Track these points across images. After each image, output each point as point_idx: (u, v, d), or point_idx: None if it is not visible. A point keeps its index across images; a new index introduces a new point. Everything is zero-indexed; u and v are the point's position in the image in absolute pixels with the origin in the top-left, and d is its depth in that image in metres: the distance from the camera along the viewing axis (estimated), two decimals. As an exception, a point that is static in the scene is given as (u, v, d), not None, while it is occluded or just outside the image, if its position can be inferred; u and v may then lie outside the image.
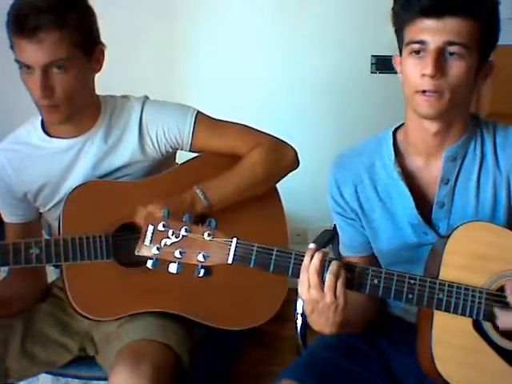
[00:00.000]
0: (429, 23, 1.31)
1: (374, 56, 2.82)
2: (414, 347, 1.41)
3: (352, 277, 1.32)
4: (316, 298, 1.29)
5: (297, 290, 1.73)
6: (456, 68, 1.32)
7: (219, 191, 1.69)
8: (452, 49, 1.31)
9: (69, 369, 1.77)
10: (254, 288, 1.69)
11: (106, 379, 1.70)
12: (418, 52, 1.33)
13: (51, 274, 2.01)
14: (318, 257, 1.29)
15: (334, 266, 1.29)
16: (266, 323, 1.75)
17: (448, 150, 1.44)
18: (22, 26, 1.54)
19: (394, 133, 1.51)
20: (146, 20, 2.86)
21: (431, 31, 1.31)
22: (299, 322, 1.77)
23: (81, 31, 1.59)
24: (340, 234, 1.61)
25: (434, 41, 1.31)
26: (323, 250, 1.32)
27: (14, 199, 1.75)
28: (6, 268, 1.77)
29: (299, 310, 1.76)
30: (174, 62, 2.94)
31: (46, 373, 1.81)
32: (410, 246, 1.48)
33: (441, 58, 1.31)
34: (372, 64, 2.84)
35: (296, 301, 1.75)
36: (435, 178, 1.46)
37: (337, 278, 1.29)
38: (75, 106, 1.64)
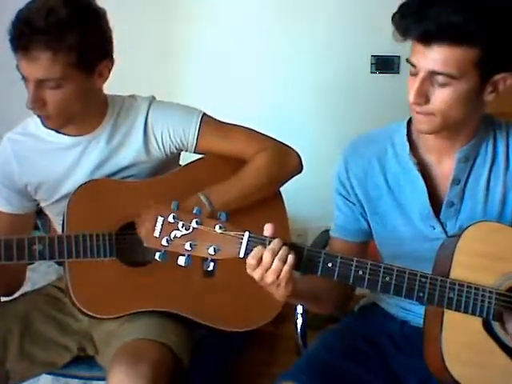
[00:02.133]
0: (419, 48, 1.31)
1: (374, 56, 2.82)
2: (416, 348, 1.41)
3: (333, 266, 1.31)
4: (260, 276, 1.30)
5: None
6: (441, 95, 1.32)
7: (223, 196, 1.69)
8: (437, 78, 1.31)
9: (69, 369, 1.77)
10: (256, 289, 1.68)
11: (105, 379, 1.70)
12: (413, 74, 1.34)
13: (51, 274, 2.02)
14: (282, 251, 1.28)
15: (283, 252, 1.29)
16: (266, 323, 1.75)
17: (460, 151, 1.44)
18: (16, 41, 1.54)
19: (409, 123, 1.51)
20: (147, 20, 2.86)
21: (420, 57, 1.31)
22: (299, 321, 1.77)
23: (79, 51, 1.56)
24: (336, 215, 1.61)
25: (421, 68, 1.31)
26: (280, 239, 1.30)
27: (13, 189, 1.74)
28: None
29: (299, 309, 1.76)
30: (175, 62, 2.94)
31: (46, 373, 1.80)
32: (416, 237, 1.49)
33: (427, 85, 1.32)
34: (372, 64, 2.84)
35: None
36: (446, 176, 1.46)
37: (282, 263, 1.28)
38: (69, 117, 1.65)
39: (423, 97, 1.32)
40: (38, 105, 1.59)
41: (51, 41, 1.52)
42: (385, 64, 2.79)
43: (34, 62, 1.54)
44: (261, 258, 1.28)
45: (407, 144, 1.48)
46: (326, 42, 2.86)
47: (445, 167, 1.47)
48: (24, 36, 1.53)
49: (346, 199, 1.56)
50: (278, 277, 1.29)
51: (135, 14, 2.83)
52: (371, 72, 2.85)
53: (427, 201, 1.46)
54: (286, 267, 1.29)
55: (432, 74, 1.31)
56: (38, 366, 1.72)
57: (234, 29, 2.88)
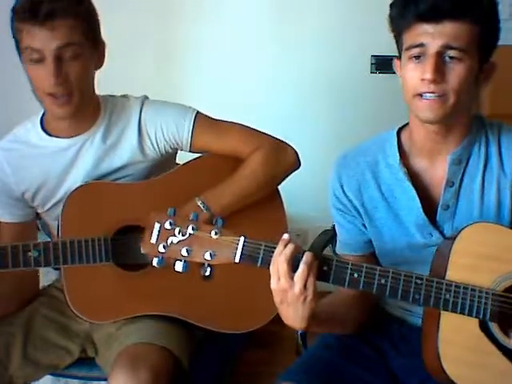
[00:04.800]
0: (427, 28, 1.31)
1: (374, 56, 2.82)
2: (415, 348, 1.41)
3: (328, 269, 1.32)
4: (285, 288, 1.29)
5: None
6: (456, 71, 1.32)
7: (221, 200, 1.67)
8: (451, 53, 1.31)
9: (69, 369, 1.77)
10: (254, 291, 1.69)
11: (105, 379, 1.70)
12: (417, 57, 1.33)
13: (51, 274, 2.02)
14: (290, 247, 1.29)
15: (307, 256, 1.29)
16: (266, 323, 1.75)
17: (453, 153, 1.44)
18: (36, 12, 1.53)
19: (398, 132, 1.51)
20: (146, 20, 2.86)
21: (429, 35, 1.31)
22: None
23: (90, 22, 1.62)
24: (338, 232, 1.61)
25: (432, 44, 1.31)
26: (296, 243, 1.31)
27: (11, 199, 1.74)
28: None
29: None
30: (174, 62, 2.94)
31: (46, 373, 1.82)
32: (414, 246, 1.48)
33: (440, 62, 1.31)
34: (372, 64, 2.84)
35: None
36: (440, 180, 1.46)
37: (309, 268, 1.28)
38: (84, 98, 1.64)
39: (440, 73, 1.31)
40: (61, 79, 1.57)
41: (70, 6, 1.56)
42: (385, 64, 2.79)
43: (54, 28, 1.54)
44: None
45: (397, 154, 1.48)
46: (326, 42, 2.86)
47: (438, 171, 1.46)
48: (45, 4, 1.53)
49: (345, 213, 1.55)
50: (305, 285, 1.28)
51: (135, 14, 2.83)
52: (371, 72, 2.85)
53: (421, 210, 1.45)
54: (312, 273, 1.28)
55: (444, 49, 1.31)
56: (40, 370, 1.73)
57: (234, 29, 2.88)
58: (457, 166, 1.44)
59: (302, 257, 1.29)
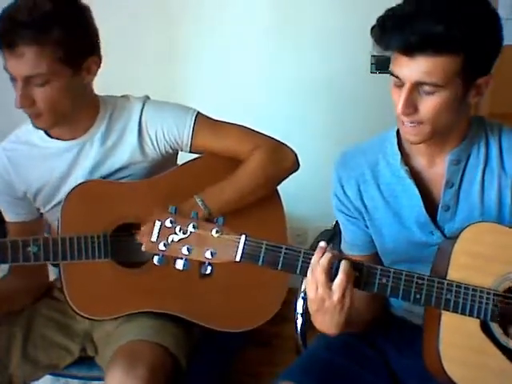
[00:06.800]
0: (402, 60, 1.29)
1: (374, 56, 2.81)
2: (416, 348, 1.41)
3: (360, 276, 1.32)
4: (323, 297, 1.29)
5: (296, 290, 1.74)
6: (429, 103, 1.31)
7: (219, 198, 1.68)
8: (423, 88, 1.30)
9: (69, 369, 1.78)
10: (254, 289, 1.69)
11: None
12: (398, 85, 1.33)
13: (51, 274, 2.02)
14: (327, 256, 1.28)
15: (346, 265, 1.28)
16: (266, 323, 1.75)
17: (451, 153, 1.44)
18: (1, 39, 1.54)
19: (398, 132, 1.51)
20: (147, 20, 2.86)
21: (404, 69, 1.29)
22: (299, 321, 1.77)
23: (65, 46, 1.55)
24: (343, 233, 1.61)
25: (406, 79, 1.30)
26: (333, 251, 1.31)
27: (15, 198, 1.75)
28: (6, 266, 1.77)
29: (299, 309, 1.76)
30: (175, 62, 2.94)
31: (46, 373, 1.81)
32: (415, 245, 1.48)
33: (413, 95, 1.30)
34: (372, 64, 2.83)
35: (296, 301, 1.75)
36: (440, 179, 1.46)
37: (348, 277, 1.28)
38: (60, 115, 1.63)
39: (411, 107, 1.31)
40: (27, 103, 1.57)
41: (36, 34, 1.52)
42: (385, 64, 2.74)
43: (20, 58, 1.53)
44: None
45: (398, 153, 1.47)
46: (326, 42, 2.85)
47: (437, 170, 1.46)
48: (9, 32, 1.52)
49: (348, 215, 1.55)
50: (343, 294, 1.28)
51: (136, 14, 2.83)
52: (371, 72, 2.84)
53: (423, 209, 1.45)
54: (350, 282, 1.29)
55: (418, 84, 1.30)
56: (40, 369, 1.73)
57: (234, 29, 2.87)
58: (456, 166, 1.44)
59: (339, 265, 1.29)
